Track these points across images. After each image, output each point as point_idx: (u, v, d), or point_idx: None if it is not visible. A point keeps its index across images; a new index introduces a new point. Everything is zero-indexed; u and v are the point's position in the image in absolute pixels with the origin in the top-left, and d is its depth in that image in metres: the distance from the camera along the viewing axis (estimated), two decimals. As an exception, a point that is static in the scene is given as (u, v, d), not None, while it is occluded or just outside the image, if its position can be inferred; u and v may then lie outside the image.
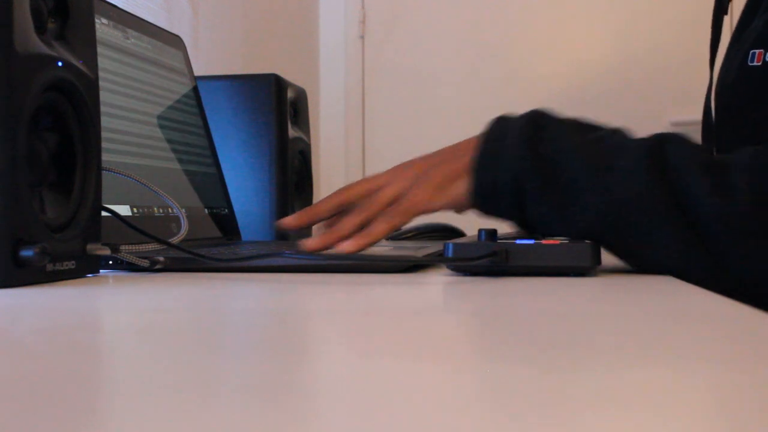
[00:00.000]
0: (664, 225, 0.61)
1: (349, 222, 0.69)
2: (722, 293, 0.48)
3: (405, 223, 0.69)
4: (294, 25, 2.22)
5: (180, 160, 0.93)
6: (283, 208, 1.09)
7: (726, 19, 0.88)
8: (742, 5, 0.84)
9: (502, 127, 0.67)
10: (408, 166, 0.71)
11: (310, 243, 0.69)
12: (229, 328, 0.39)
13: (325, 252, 0.68)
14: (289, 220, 0.74)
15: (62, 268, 0.58)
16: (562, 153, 0.64)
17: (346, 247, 0.66)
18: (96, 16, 0.67)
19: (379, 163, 2.43)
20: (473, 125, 2.52)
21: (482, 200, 0.66)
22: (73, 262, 0.59)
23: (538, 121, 0.67)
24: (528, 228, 0.67)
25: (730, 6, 0.88)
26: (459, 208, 0.69)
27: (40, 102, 0.56)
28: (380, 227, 0.68)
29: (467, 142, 0.69)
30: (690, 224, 0.61)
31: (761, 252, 0.61)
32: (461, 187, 0.67)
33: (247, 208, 1.08)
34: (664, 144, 0.63)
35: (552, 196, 0.64)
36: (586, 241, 0.61)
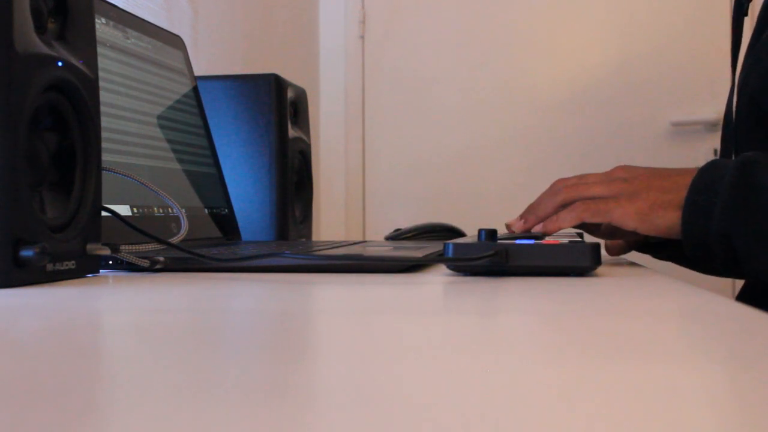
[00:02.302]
0: None
1: (547, 204, 0.73)
2: None
3: (592, 221, 0.70)
4: (294, 25, 2.22)
5: (180, 160, 0.93)
6: (283, 208, 1.09)
7: (745, 20, 0.87)
8: (758, 7, 0.84)
9: (712, 175, 0.66)
10: (621, 176, 0.72)
11: (516, 225, 0.75)
12: (229, 328, 0.39)
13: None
14: (519, 224, 0.75)
15: (62, 268, 0.58)
16: None
17: (537, 230, 0.72)
18: (96, 16, 0.67)
19: (379, 163, 2.44)
20: (473, 125, 2.52)
21: (693, 251, 0.67)
22: (73, 262, 0.59)
23: (748, 171, 0.65)
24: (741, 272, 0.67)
25: (750, 7, 0.88)
26: (658, 236, 0.70)
27: (40, 102, 0.56)
28: (568, 215, 0.71)
29: (682, 177, 0.69)
30: None
31: None
32: (668, 220, 0.68)
33: (247, 208, 1.08)
34: None
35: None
36: None
